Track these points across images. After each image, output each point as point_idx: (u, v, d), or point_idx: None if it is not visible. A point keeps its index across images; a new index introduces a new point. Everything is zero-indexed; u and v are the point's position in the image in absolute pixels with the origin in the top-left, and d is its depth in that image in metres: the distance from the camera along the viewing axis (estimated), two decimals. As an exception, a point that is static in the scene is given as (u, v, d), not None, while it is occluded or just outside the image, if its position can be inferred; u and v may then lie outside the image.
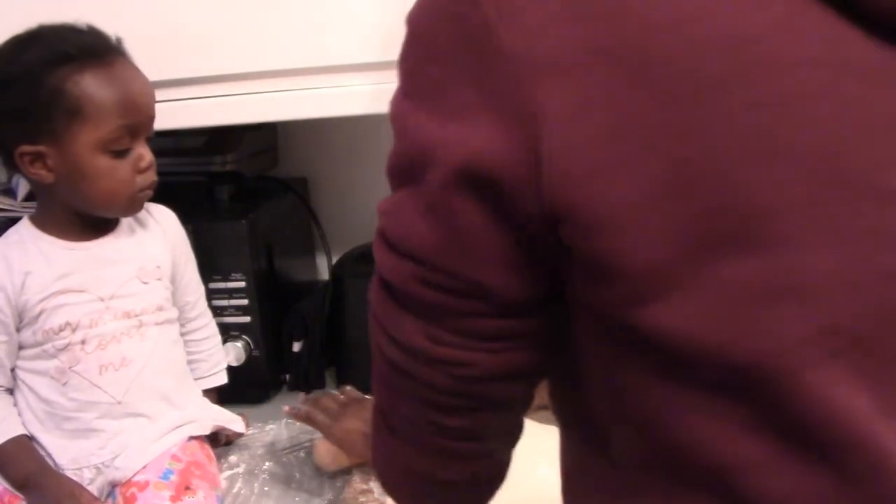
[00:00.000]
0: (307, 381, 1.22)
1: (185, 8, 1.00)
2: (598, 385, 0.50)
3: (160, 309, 0.98)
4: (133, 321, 0.95)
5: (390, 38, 0.96)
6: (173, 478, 0.91)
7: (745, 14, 0.41)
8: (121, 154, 0.90)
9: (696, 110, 0.41)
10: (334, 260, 1.30)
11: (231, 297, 1.15)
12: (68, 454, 0.92)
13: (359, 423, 0.94)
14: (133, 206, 0.94)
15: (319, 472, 1.01)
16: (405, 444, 0.56)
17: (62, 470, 0.91)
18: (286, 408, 1.02)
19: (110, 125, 0.88)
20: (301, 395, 1.05)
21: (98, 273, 0.94)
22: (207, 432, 1.01)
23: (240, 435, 1.08)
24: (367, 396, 1.00)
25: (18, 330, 0.92)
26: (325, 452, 1.00)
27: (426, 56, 0.46)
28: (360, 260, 1.24)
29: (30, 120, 0.87)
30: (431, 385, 0.51)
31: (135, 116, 0.90)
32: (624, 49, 0.41)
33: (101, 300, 0.93)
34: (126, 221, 0.98)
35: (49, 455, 0.92)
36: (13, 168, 0.93)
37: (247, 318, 1.16)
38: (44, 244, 0.93)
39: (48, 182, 0.90)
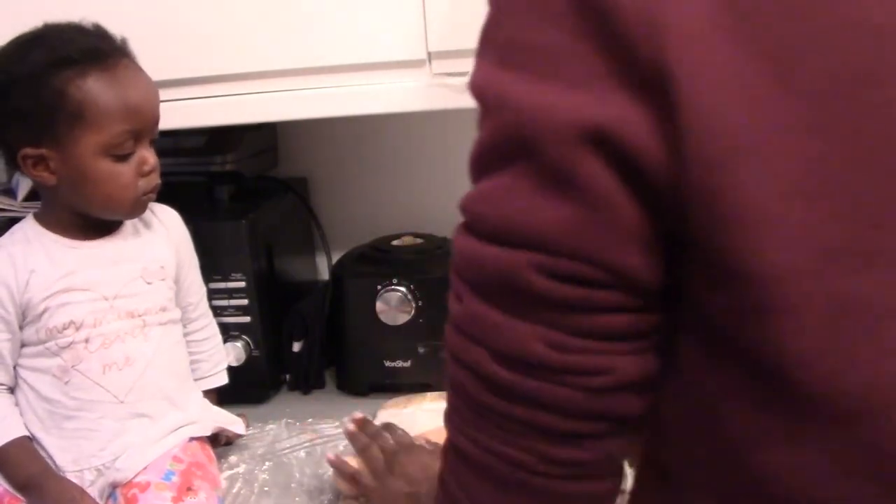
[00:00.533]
0: (307, 381, 1.23)
1: (185, 8, 1.00)
2: (681, 399, 0.46)
3: (164, 309, 0.97)
4: (137, 321, 0.94)
5: (390, 39, 0.97)
6: (175, 479, 0.90)
7: (875, 4, 0.38)
8: (124, 158, 0.89)
9: (842, 101, 0.38)
10: (334, 260, 1.29)
11: (231, 297, 1.15)
12: (69, 455, 0.91)
13: (403, 482, 0.82)
14: (136, 210, 0.94)
15: (319, 472, 1.00)
16: (493, 489, 0.49)
17: (63, 471, 0.91)
18: (330, 456, 0.91)
19: (113, 130, 0.87)
20: (348, 428, 0.91)
21: (102, 272, 0.93)
22: (208, 434, 1.00)
23: (240, 436, 1.07)
24: (417, 443, 0.88)
25: (21, 328, 0.92)
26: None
27: (531, 22, 0.42)
28: (360, 260, 1.24)
29: (32, 122, 0.87)
30: (549, 405, 0.44)
31: (138, 121, 0.89)
32: (762, 23, 0.38)
33: (106, 299, 0.93)
34: (130, 221, 0.98)
35: (50, 456, 0.91)
36: (16, 169, 0.92)
37: (247, 318, 1.15)
38: (48, 242, 0.93)
39: (51, 184, 0.90)
